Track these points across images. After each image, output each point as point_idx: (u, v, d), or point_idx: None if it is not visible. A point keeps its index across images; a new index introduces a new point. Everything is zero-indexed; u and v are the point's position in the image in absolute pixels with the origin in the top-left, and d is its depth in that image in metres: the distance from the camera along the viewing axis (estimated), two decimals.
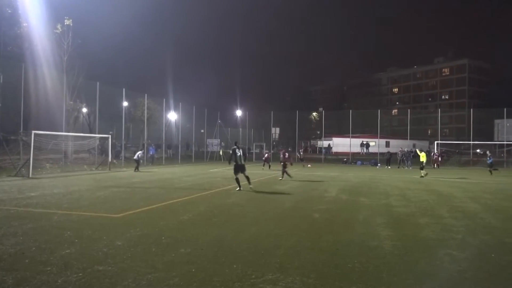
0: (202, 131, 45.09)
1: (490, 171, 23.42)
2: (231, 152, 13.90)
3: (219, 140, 47.56)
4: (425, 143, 58.62)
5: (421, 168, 21.33)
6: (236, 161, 13.52)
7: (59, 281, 4.49)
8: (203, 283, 4.53)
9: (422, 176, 20.55)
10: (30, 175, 18.06)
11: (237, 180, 13.61)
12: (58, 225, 7.59)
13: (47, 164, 22.85)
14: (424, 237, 7.00)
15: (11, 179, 17.06)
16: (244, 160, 13.76)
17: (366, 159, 38.84)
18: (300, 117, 42.23)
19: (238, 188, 13.48)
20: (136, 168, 22.79)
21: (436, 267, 5.33)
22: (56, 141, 22.14)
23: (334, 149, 50.34)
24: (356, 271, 5.03)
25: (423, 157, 21.37)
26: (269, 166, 27.82)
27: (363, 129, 53.78)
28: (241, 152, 13.51)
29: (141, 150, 25.92)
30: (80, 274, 4.70)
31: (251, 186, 13.63)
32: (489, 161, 24.25)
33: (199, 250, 5.90)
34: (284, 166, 18.58)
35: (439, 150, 34.31)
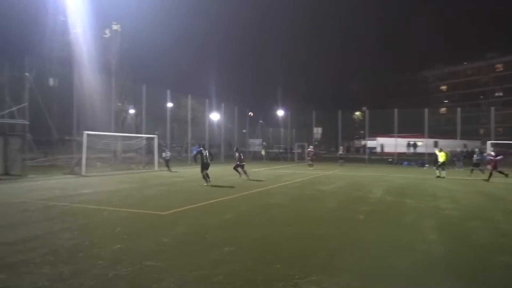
0: (244, 131, 45.49)
1: (471, 170, 21.92)
2: (196, 152, 16.17)
3: (261, 140, 47.75)
4: (477, 143, 55.66)
5: (437, 168, 20.63)
6: (202, 160, 15.12)
7: (110, 274, 4.71)
8: (247, 282, 4.58)
9: (438, 176, 19.86)
10: (83, 173, 19.06)
11: (205, 177, 15.05)
12: (109, 221, 7.96)
13: (98, 163, 23.98)
14: (476, 242, 6.65)
15: (65, 177, 18.10)
16: (211, 159, 15.76)
17: (413, 159, 37.46)
18: (342, 116, 41.45)
19: (205, 184, 14.86)
20: (168, 167, 23.13)
21: (489, 274, 5.06)
22: (106, 141, 23.17)
23: (378, 149, 49.02)
24: (403, 275, 4.88)
25: (442, 157, 20.47)
26: (311, 165, 27.71)
27: (409, 129, 51.86)
28: (206, 152, 15.32)
29: (165, 149, 25.80)
30: (130, 269, 4.91)
31: (206, 184, 14.85)
32: (476, 159, 22.56)
33: (242, 249, 5.97)
34: (242, 166, 18.36)
35: (493, 150, 32.42)
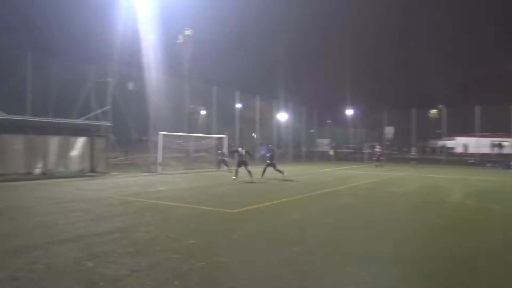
0: (312, 131, 45.02)
1: None
2: (233, 150, 18.98)
3: (329, 140, 46.94)
4: None
5: None
6: (239, 157, 17.02)
7: (184, 268, 4.93)
8: (316, 282, 4.52)
9: None
10: (159, 172, 20.21)
11: (236, 172, 16.75)
12: (183, 217, 8.35)
13: (172, 162, 25.27)
14: None
15: (144, 175, 19.34)
16: (253, 159, 18.40)
17: (497, 161, 34.35)
18: (417, 115, 39.26)
19: (234, 177, 16.62)
20: (226, 166, 22.96)
21: None
22: (180, 141, 24.31)
23: (457, 150, 45.79)
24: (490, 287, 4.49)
25: None
26: (381, 166, 26.89)
27: (494, 127, 47.56)
28: (243, 151, 17.14)
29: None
30: (202, 263, 5.09)
31: (234, 178, 16.57)
32: None
33: (311, 249, 5.90)
34: (273, 165, 17.41)
35: None
